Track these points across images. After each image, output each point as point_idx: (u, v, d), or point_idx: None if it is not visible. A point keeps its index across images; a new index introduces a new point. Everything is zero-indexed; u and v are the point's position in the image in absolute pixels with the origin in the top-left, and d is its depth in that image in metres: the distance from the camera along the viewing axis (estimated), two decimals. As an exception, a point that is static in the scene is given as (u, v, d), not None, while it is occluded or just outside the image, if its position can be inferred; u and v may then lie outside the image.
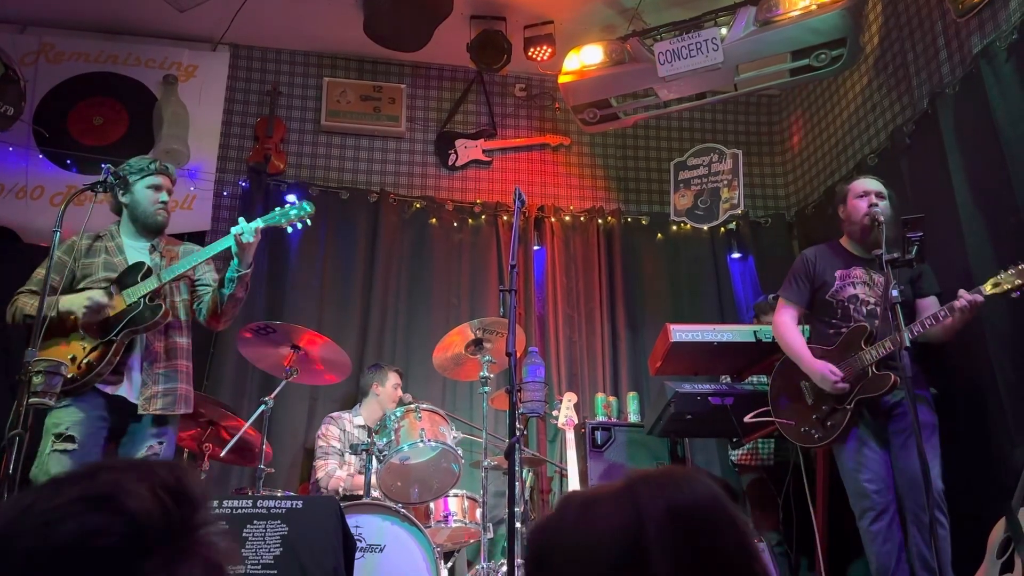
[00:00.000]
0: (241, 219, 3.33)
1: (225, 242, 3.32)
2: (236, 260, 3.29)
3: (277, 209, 3.48)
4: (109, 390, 3.12)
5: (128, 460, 0.82)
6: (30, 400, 2.62)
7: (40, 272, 3.24)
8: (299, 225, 3.45)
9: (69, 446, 2.92)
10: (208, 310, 3.39)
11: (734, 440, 4.52)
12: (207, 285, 3.46)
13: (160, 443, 3.21)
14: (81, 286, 3.19)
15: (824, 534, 3.76)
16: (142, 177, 3.37)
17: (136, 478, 0.72)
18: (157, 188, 3.38)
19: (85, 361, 3.06)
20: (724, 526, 0.90)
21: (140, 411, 3.14)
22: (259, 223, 3.36)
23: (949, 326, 3.29)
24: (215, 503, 2.82)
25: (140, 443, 3.16)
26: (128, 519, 0.69)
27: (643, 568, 0.86)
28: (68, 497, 0.70)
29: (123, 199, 3.37)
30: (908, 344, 2.97)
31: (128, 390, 3.16)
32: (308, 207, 3.45)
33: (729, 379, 4.38)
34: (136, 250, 3.36)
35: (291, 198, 5.58)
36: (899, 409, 3.38)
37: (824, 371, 3.43)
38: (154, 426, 3.20)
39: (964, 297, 3.21)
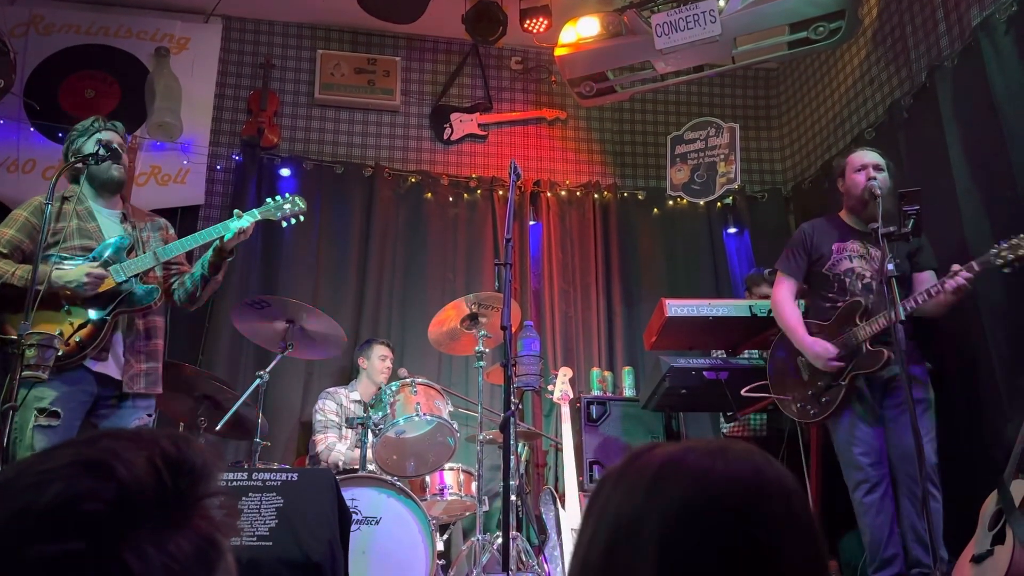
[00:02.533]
0: (236, 211, 3.36)
1: (221, 230, 3.30)
2: (215, 249, 3.29)
3: (270, 200, 3.51)
4: (97, 367, 3.09)
5: (131, 429, 0.82)
6: (23, 374, 2.60)
7: (6, 232, 3.12)
8: (292, 220, 3.52)
9: (53, 422, 2.87)
10: (188, 293, 3.38)
11: (728, 414, 4.54)
12: (178, 264, 3.46)
13: (149, 415, 3.22)
14: (52, 252, 3.05)
15: (818, 506, 3.78)
16: (88, 137, 3.27)
17: (134, 446, 0.71)
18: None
19: (75, 339, 3.00)
20: (732, 528, 0.78)
21: (125, 389, 3.12)
22: (256, 215, 3.39)
23: (943, 302, 3.29)
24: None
25: (128, 418, 3.15)
26: (117, 486, 0.68)
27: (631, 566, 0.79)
28: (61, 461, 0.70)
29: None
30: (903, 318, 2.97)
31: (113, 367, 3.14)
32: (301, 202, 3.53)
33: (724, 354, 4.39)
34: (107, 218, 3.29)
35: (286, 171, 5.56)
36: (895, 383, 3.38)
37: (817, 349, 3.42)
38: (142, 399, 3.21)
39: (960, 275, 3.19)
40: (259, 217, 3.40)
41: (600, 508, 0.86)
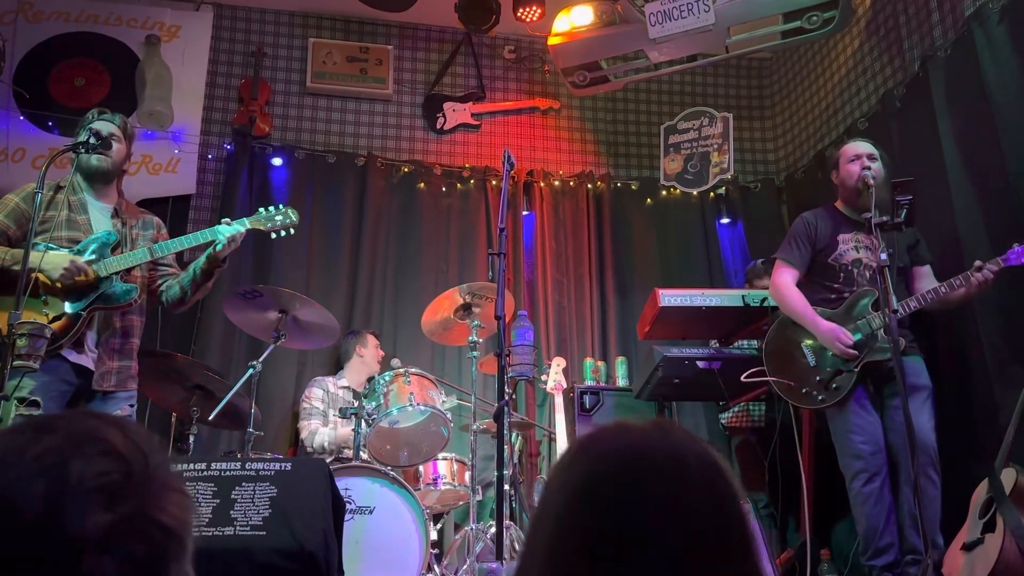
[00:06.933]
0: (225, 219, 3.36)
1: (210, 236, 3.29)
2: (208, 257, 3.29)
3: (262, 211, 3.50)
4: (72, 357, 3.08)
5: (86, 411, 0.91)
6: (14, 363, 2.58)
7: None
8: (283, 233, 3.51)
9: (34, 411, 2.85)
10: (176, 296, 3.38)
11: (721, 403, 4.55)
12: (167, 266, 3.45)
13: (132, 406, 3.23)
14: (38, 240, 3.01)
15: (812, 495, 3.80)
16: (83, 128, 3.25)
17: (107, 423, 0.81)
18: None
19: None
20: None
21: (94, 387, 3.11)
22: (246, 224, 3.38)
23: (958, 296, 3.31)
24: (204, 465, 2.82)
25: (111, 409, 3.13)
26: (118, 457, 0.76)
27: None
28: (55, 442, 0.76)
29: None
30: (913, 309, 3.00)
31: (90, 361, 3.13)
32: (293, 215, 3.51)
33: (717, 343, 4.40)
34: (99, 211, 3.27)
35: (278, 161, 5.54)
36: (894, 372, 3.40)
37: (837, 332, 3.41)
38: (124, 391, 3.21)
39: (987, 268, 3.21)
40: (248, 226, 3.38)
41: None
